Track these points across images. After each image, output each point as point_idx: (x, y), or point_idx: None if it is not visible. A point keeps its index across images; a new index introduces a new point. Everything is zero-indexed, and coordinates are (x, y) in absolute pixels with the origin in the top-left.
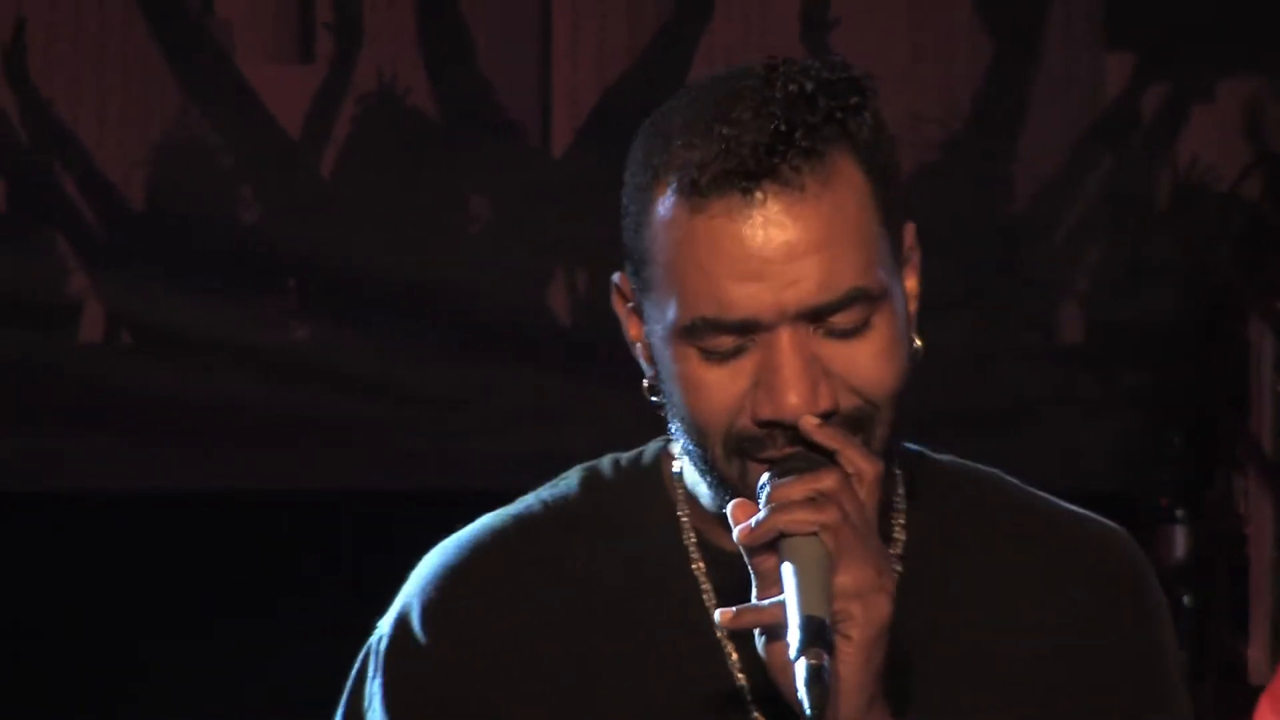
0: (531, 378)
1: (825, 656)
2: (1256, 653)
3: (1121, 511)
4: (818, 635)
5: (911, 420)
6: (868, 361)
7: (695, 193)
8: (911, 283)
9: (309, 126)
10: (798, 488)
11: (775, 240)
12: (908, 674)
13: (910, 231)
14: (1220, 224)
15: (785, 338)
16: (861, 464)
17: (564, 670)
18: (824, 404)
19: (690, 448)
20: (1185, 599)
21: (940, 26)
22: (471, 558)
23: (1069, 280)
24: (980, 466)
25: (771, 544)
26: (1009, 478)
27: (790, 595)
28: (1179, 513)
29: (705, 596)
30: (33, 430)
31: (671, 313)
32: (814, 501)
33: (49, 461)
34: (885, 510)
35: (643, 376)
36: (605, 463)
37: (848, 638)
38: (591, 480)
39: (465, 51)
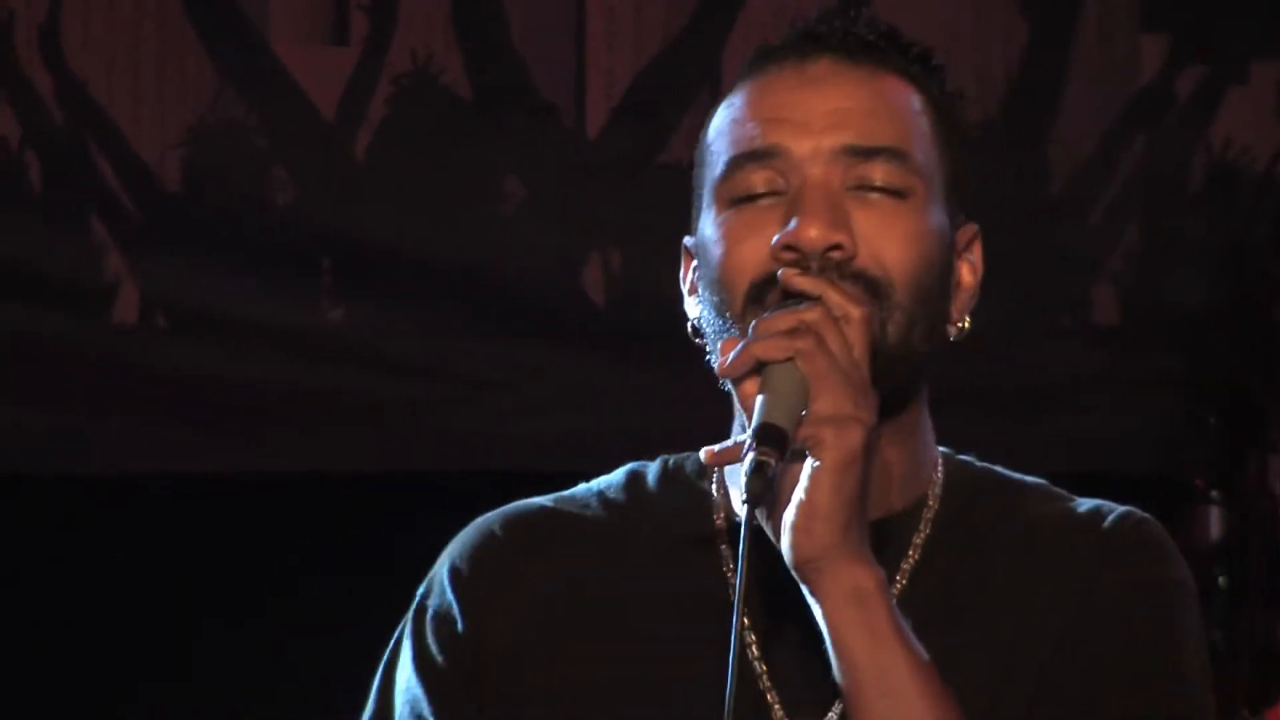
0: (566, 358)
1: (776, 458)
2: None
3: (1156, 493)
4: (771, 438)
5: (949, 400)
6: (894, 233)
7: (754, 69)
8: (965, 276)
9: (343, 107)
10: (781, 319)
11: (819, 95)
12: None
13: (973, 235)
14: (1255, 205)
15: (816, 172)
16: (847, 307)
17: (585, 643)
18: (839, 236)
19: (712, 314)
20: (1220, 580)
21: (975, 8)
22: (507, 527)
23: (1104, 262)
24: (1029, 478)
25: (756, 373)
26: (1057, 490)
27: (756, 413)
28: (1214, 494)
29: (730, 593)
30: (66, 411)
31: (714, 174)
32: (794, 331)
33: (82, 443)
34: (917, 503)
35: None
36: (655, 463)
37: (819, 462)
38: (638, 476)
39: (500, 32)
